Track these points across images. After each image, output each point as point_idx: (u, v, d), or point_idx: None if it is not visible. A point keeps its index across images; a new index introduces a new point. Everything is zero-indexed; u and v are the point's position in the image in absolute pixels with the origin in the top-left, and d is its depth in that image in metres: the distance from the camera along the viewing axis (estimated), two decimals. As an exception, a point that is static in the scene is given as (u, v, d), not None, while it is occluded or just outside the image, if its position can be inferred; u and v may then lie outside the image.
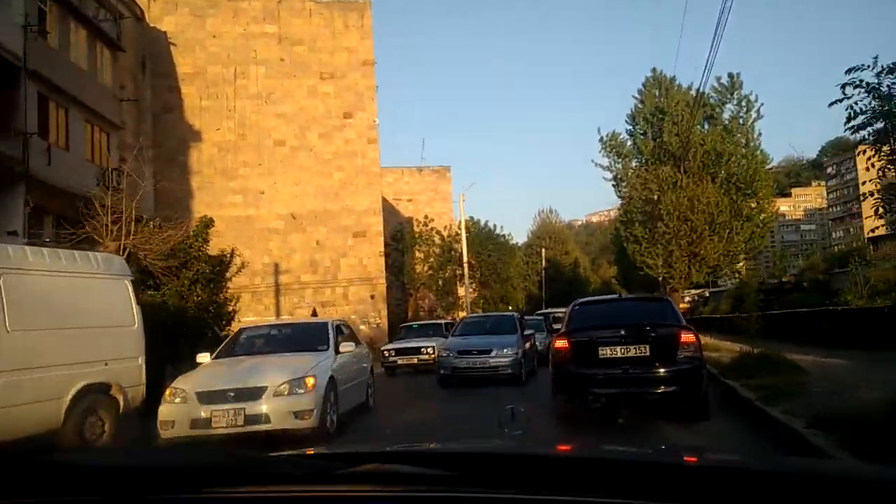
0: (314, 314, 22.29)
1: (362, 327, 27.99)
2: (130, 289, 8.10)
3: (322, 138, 28.51)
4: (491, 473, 1.34)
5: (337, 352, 8.39)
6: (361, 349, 10.07)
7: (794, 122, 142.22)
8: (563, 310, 24.83)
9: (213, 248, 28.06)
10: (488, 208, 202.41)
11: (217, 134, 27.88)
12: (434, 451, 1.90)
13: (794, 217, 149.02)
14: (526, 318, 23.18)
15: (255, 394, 6.93)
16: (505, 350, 12.69)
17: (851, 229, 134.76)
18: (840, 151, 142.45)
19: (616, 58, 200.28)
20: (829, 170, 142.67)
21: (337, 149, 28.58)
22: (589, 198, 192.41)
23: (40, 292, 6.82)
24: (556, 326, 21.37)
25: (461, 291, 51.24)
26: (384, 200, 57.44)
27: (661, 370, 7.27)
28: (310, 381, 7.14)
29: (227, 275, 14.75)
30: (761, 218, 27.66)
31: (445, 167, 59.50)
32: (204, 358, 8.13)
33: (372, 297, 28.38)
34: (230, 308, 14.56)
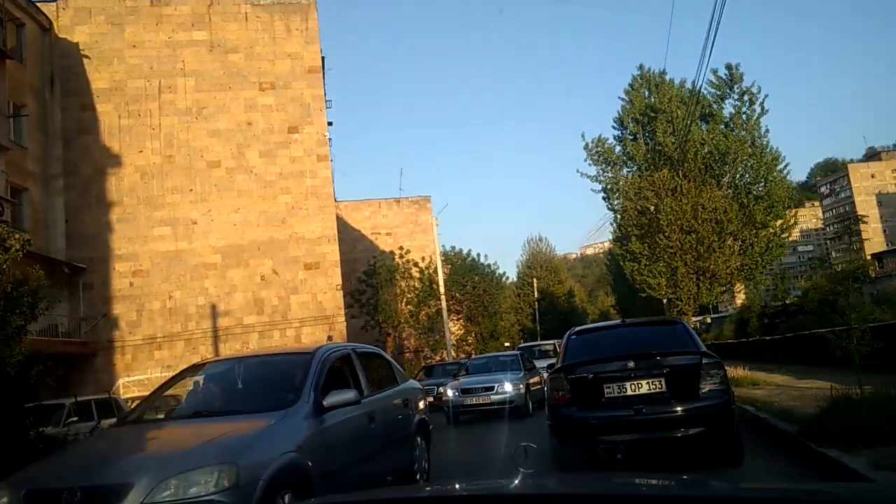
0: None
1: (319, 375, 23.76)
2: None
3: (264, 157, 24.67)
4: None
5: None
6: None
7: (779, 144, 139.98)
8: (552, 342, 20.71)
9: (138, 291, 24.11)
10: (476, 242, 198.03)
11: (140, 157, 24.01)
12: (436, 494, 2.04)
13: (790, 239, 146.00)
14: (498, 354, 18.88)
15: None
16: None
17: (852, 247, 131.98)
18: (829, 172, 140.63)
19: (604, 78, 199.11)
20: (822, 189, 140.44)
21: (282, 168, 24.72)
22: (584, 231, 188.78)
23: None
24: (539, 364, 17.19)
25: (454, 324, 47.14)
26: (361, 235, 53.75)
27: (683, 408, 6.07)
28: None
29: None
30: (778, 224, 23.68)
31: (426, 197, 55.91)
32: None
33: (330, 338, 24.10)
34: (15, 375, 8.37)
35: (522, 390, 13.31)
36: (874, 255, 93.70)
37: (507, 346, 44.35)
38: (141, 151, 24.02)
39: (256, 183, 24.49)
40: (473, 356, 31.98)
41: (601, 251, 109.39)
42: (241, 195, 24.35)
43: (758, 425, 8.00)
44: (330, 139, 33.80)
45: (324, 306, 24.20)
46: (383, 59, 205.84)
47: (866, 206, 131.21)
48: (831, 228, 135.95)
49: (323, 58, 27.05)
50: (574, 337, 7.35)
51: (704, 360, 6.19)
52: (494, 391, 13.08)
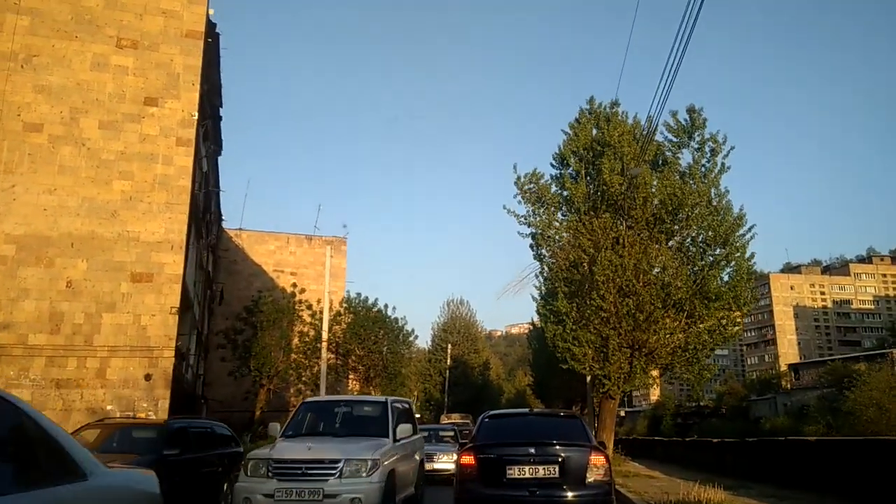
0: None
1: (126, 426, 17.32)
2: None
3: (105, 129, 18.92)
4: None
5: None
6: None
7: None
8: (408, 400, 15.75)
9: None
10: (389, 296, 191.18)
11: (-71, 102, 17.89)
12: None
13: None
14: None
15: None
16: None
17: (766, 357, 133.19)
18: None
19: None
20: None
21: (126, 147, 19.00)
22: (511, 312, 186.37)
23: None
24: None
25: (350, 385, 40.93)
26: (261, 271, 47.35)
27: (570, 494, 7.05)
28: None
29: None
30: (732, 298, 19.31)
31: (341, 238, 50.43)
32: None
33: (148, 377, 17.90)
34: None
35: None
36: (791, 366, 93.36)
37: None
38: (-68, 95, 17.92)
39: (88, 160, 18.62)
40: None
41: (526, 331, 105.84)
42: (62, 172, 18.37)
43: None
44: (220, 147, 28.36)
45: (148, 333, 18.04)
46: (322, 93, 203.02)
47: (783, 316, 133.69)
48: (748, 335, 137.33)
49: (218, 32, 22.01)
50: (487, 420, 8.61)
51: (593, 453, 7.30)
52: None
